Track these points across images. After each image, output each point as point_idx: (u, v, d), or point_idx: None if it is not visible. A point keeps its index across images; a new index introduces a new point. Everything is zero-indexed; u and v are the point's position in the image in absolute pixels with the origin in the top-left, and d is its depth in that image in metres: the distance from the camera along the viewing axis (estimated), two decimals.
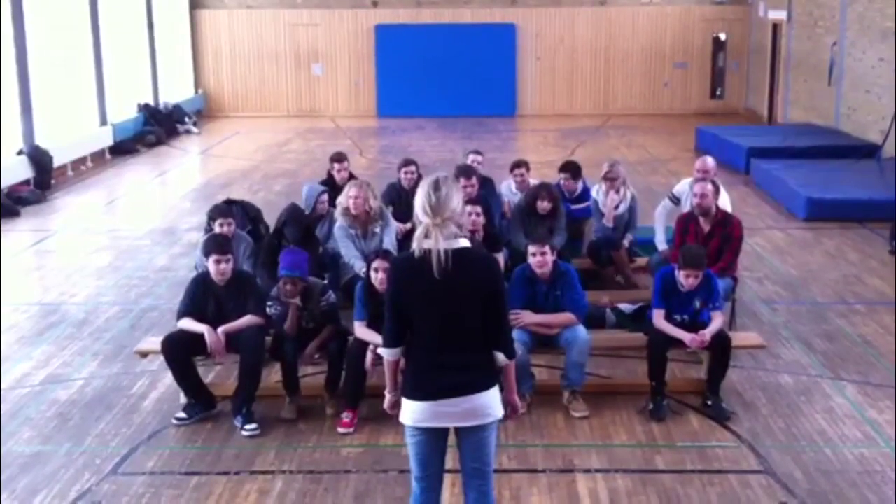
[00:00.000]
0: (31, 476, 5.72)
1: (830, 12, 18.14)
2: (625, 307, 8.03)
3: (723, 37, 23.94)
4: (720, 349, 6.42)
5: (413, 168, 9.32)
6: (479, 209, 7.62)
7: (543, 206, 8.37)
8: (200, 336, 6.27)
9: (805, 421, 6.39)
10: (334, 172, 9.42)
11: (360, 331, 6.37)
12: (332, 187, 9.02)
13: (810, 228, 11.79)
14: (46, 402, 6.85)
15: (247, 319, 6.36)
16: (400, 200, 8.90)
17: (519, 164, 9.62)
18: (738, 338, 6.90)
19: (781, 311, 8.69)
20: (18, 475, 5.73)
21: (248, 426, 6.22)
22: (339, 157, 9.55)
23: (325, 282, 7.10)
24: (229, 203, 8.61)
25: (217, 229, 7.81)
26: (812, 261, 10.41)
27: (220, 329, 6.29)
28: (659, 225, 8.75)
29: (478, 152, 9.98)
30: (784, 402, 6.70)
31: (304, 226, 7.96)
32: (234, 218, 7.81)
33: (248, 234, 8.21)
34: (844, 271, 9.95)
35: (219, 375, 7.11)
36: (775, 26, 21.57)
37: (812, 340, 7.91)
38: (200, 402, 6.46)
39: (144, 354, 6.87)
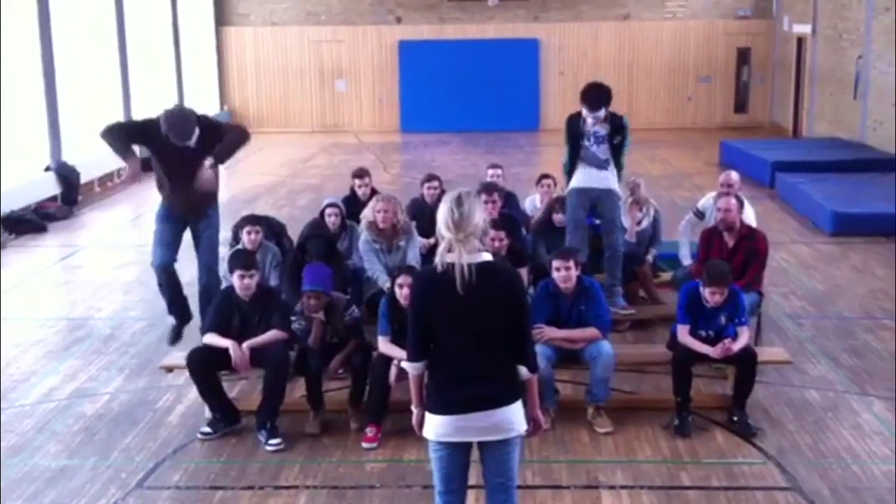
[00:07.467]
0: (58, 490, 5.75)
1: (856, 25, 18.04)
2: None
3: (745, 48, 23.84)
4: (746, 364, 6.37)
5: (436, 183, 9.35)
6: (502, 234, 7.56)
7: (559, 218, 8.38)
8: (225, 351, 6.29)
9: (832, 437, 6.32)
10: (356, 188, 9.46)
11: (384, 346, 6.39)
12: (355, 203, 9.07)
13: (836, 243, 11.70)
14: (73, 416, 6.89)
15: (271, 334, 6.38)
16: (423, 215, 8.92)
17: (547, 176, 9.65)
18: (764, 353, 6.85)
19: (808, 326, 8.62)
20: (45, 489, 5.77)
21: (272, 441, 6.23)
22: (360, 174, 9.60)
23: (348, 297, 7.12)
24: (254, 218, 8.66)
25: (244, 237, 7.87)
26: (838, 275, 10.33)
27: (245, 344, 6.31)
28: (683, 240, 8.73)
29: (497, 166, 10.02)
30: (811, 418, 6.64)
31: (326, 241, 8.00)
32: (261, 226, 7.84)
33: None
34: (871, 286, 9.86)
35: (243, 390, 7.14)
36: (800, 40, 21.47)
37: (839, 356, 7.84)
38: (225, 416, 6.48)
39: (170, 369, 6.91)
